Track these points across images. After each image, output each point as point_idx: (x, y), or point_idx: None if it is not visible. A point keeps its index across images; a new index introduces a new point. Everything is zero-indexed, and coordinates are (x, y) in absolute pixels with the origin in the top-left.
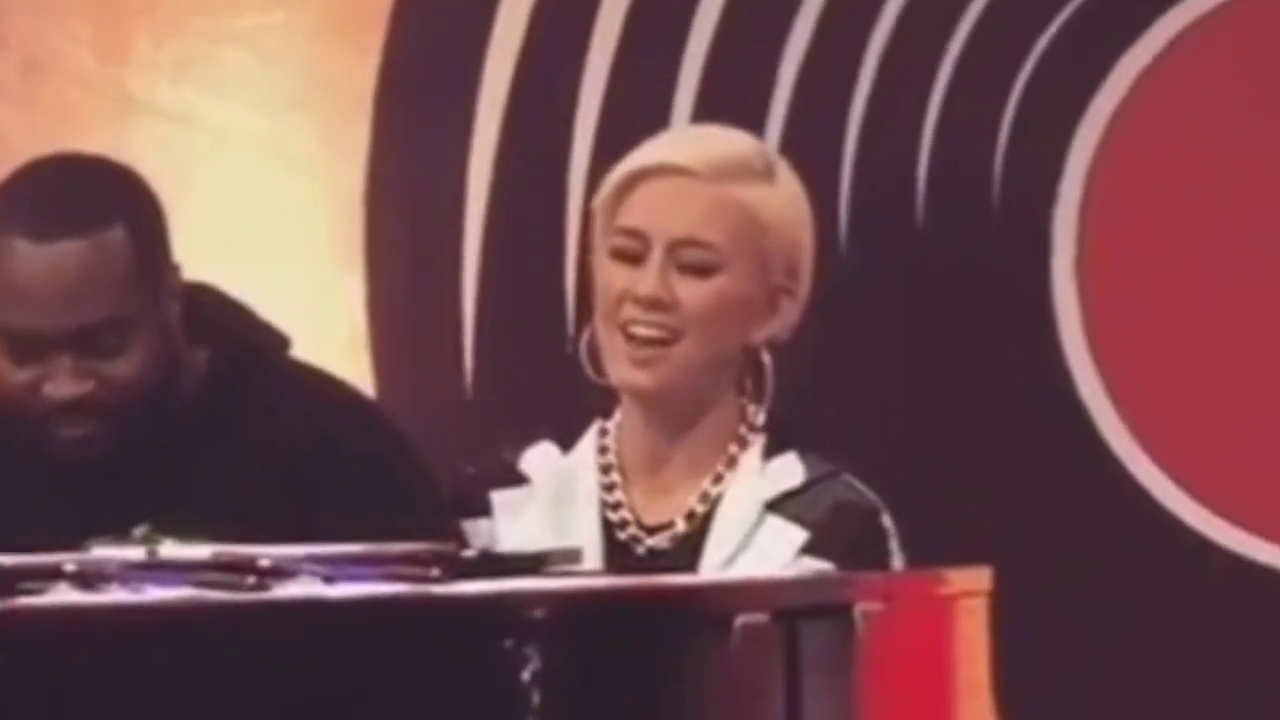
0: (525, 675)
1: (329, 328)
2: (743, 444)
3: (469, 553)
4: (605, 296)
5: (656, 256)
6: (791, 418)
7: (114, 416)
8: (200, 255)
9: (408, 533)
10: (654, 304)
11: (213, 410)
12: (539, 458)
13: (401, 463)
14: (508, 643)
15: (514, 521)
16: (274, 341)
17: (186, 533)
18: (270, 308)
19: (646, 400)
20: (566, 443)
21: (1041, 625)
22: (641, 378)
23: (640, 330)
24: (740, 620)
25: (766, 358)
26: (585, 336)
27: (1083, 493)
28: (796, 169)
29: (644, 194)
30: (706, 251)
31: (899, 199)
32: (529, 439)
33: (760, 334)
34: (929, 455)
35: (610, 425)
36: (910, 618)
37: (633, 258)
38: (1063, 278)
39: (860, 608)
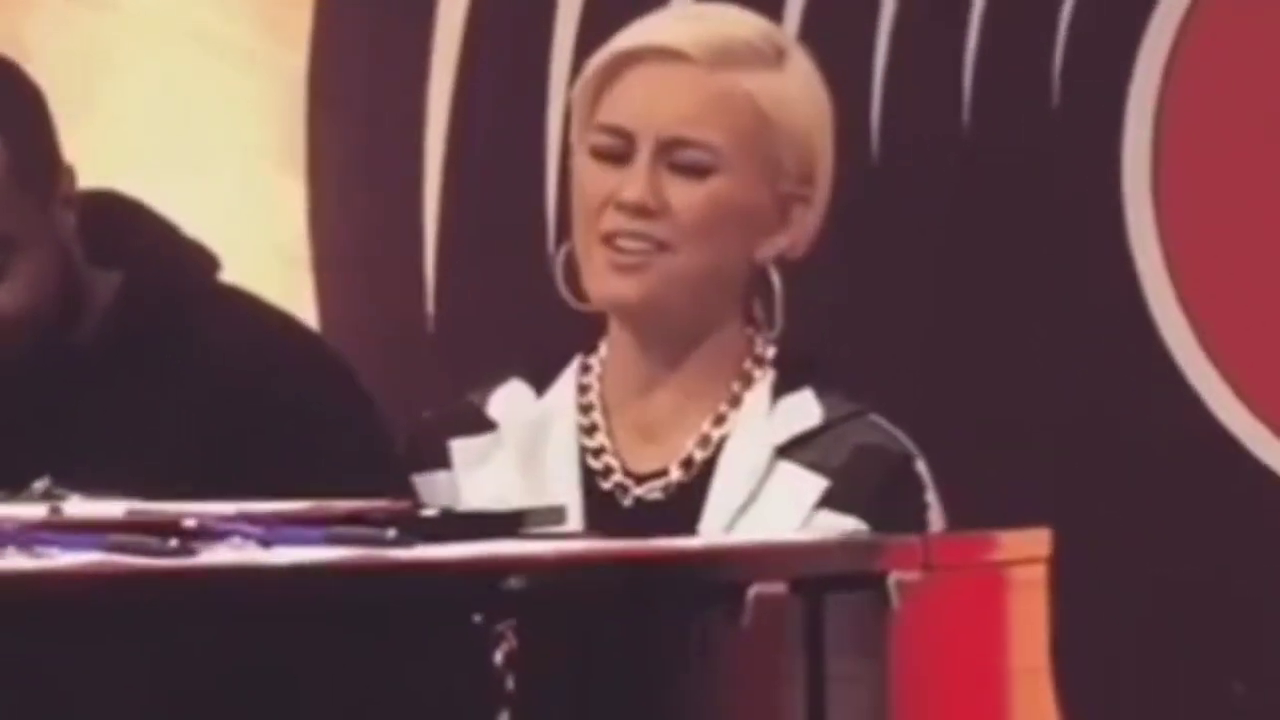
0: (498, 656)
1: (263, 243)
2: (748, 380)
3: (429, 511)
4: (584, 202)
5: (644, 156)
6: (807, 350)
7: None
8: (115, 159)
9: (357, 488)
10: (640, 210)
11: (125, 343)
12: (508, 400)
13: (348, 406)
14: (477, 618)
15: (477, 474)
16: (201, 262)
17: (94, 487)
18: (195, 220)
19: (632, 318)
20: (541, 383)
21: (1110, 597)
22: (625, 287)
23: (626, 242)
24: (754, 591)
25: (776, 278)
26: (563, 253)
27: (1161, 441)
28: (818, 59)
29: (630, 83)
30: (702, 151)
31: (941, 97)
32: (500, 379)
33: (769, 248)
34: (976, 398)
35: (594, 361)
36: (955, 589)
37: (616, 157)
38: (1135, 190)
39: (895, 577)
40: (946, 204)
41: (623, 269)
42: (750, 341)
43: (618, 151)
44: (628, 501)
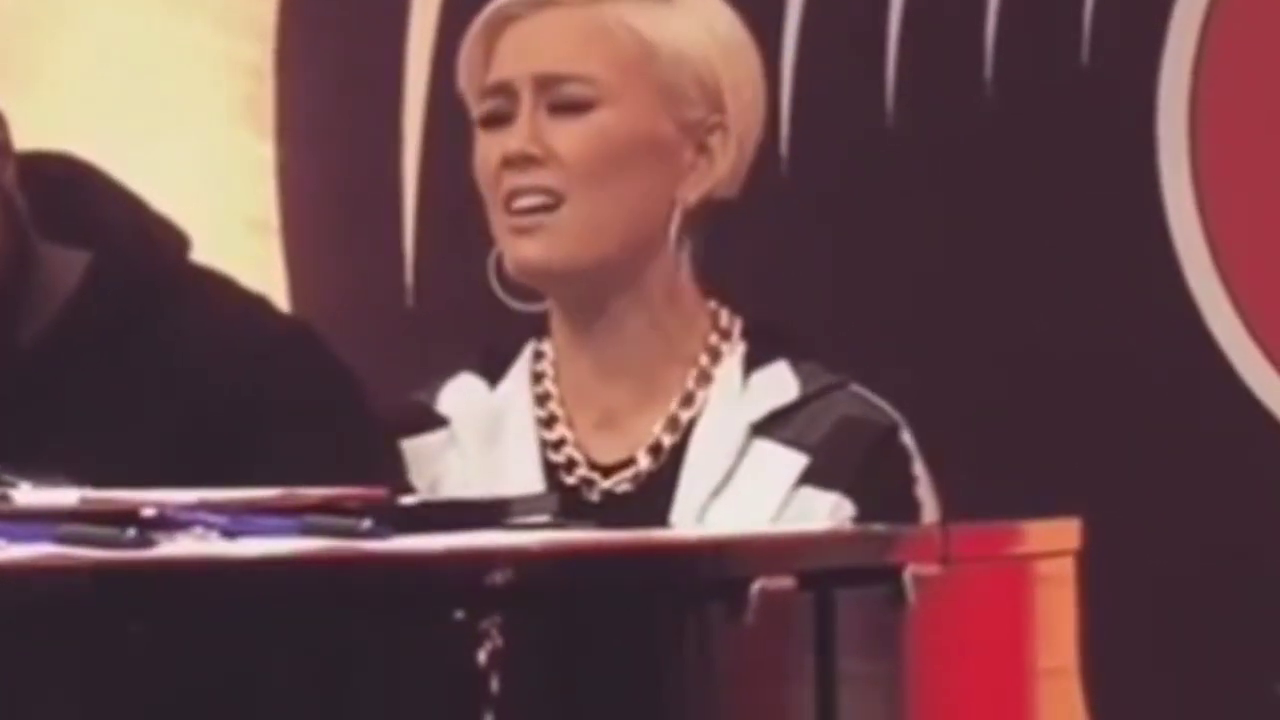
0: (481, 656)
1: (229, 210)
2: (715, 355)
3: (408, 500)
4: (484, 176)
5: (524, 104)
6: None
7: None
8: (68, 122)
9: (335, 477)
10: (525, 160)
11: (88, 326)
12: (458, 394)
13: (334, 398)
14: (459, 614)
15: (434, 472)
16: (171, 242)
17: (47, 474)
18: (156, 186)
19: (547, 284)
20: (493, 374)
21: (1144, 593)
22: (527, 249)
23: (520, 200)
24: (758, 586)
25: (677, 216)
26: (494, 253)
27: (1199, 425)
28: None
29: (507, 41)
30: (580, 84)
31: (961, 53)
32: (490, 359)
33: (690, 187)
34: (1000, 378)
35: (546, 347)
36: (976, 584)
37: (502, 118)
38: (1170, 154)
39: (911, 570)
40: (967, 170)
41: (522, 231)
42: (714, 314)
43: (502, 111)
44: (595, 496)
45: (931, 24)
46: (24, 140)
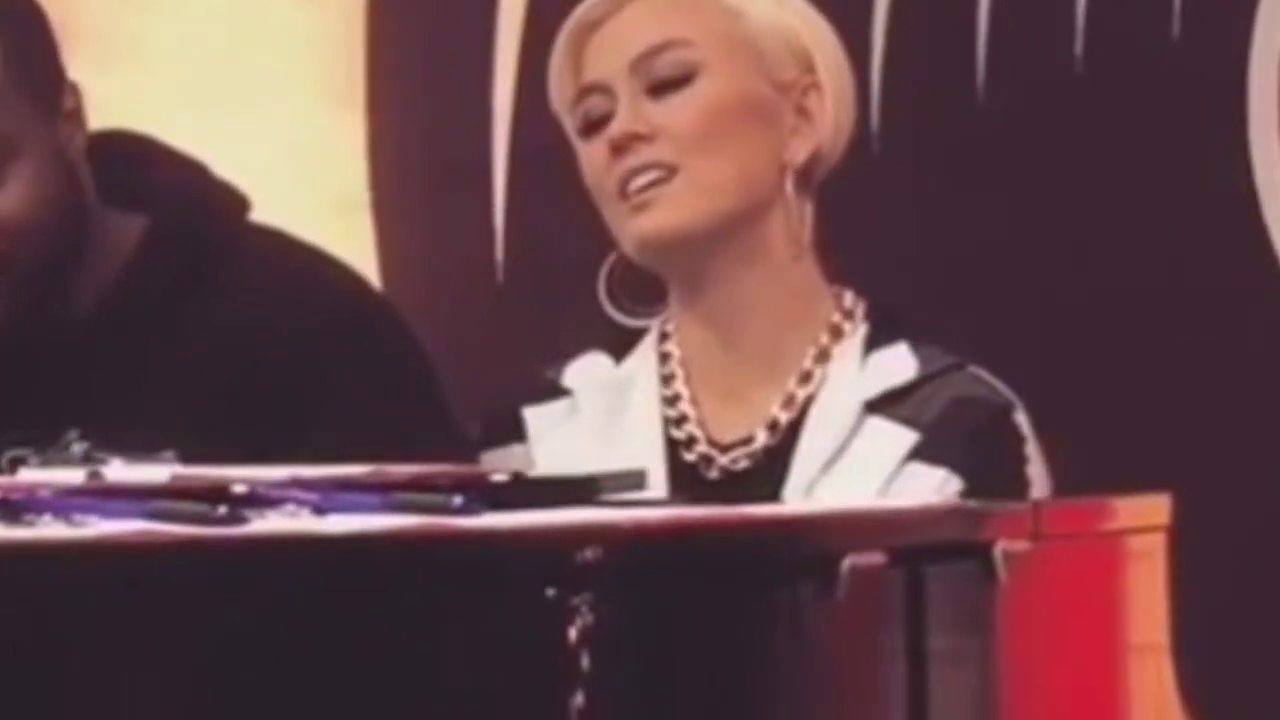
0: (572, 633)
1: (319, 187)
2: (837, 333)
3: (499, 476)
4: (594, 176)
5: (622, 92)
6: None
7: (10, 270)
8: (160, 98)
9: (407, 445)
10: (632, 139)
11: (150, 291)
12: (585, 371)
13: (396, 356)
14: (550, 592)
15: (553, 444)
16: (230, 203)
17: (126, 447)
18: (246, 162)
19: (665, 254)
20: (620, 353)
21: (1236, 569)
22: (643, 223)
23: (635, 180)
24: (849, 562)
25: (790, 186)
26: (606, 265)
27: None
28: None
29: (594, 45)
30: (677, 51)
31: (1051, 29)
32: (581, 339)
33: (799, 148)
34: (1091, 352)
35: (671, 328)
36: (1066, 560)
37: (601, 119)
38: (1262, 132)
39: (1002, 547)
40: (1057, 146)
41: (640, 207)
42: (838, 295)
43: (600, 111)
44: (713, 473)
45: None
46: (114, 118)
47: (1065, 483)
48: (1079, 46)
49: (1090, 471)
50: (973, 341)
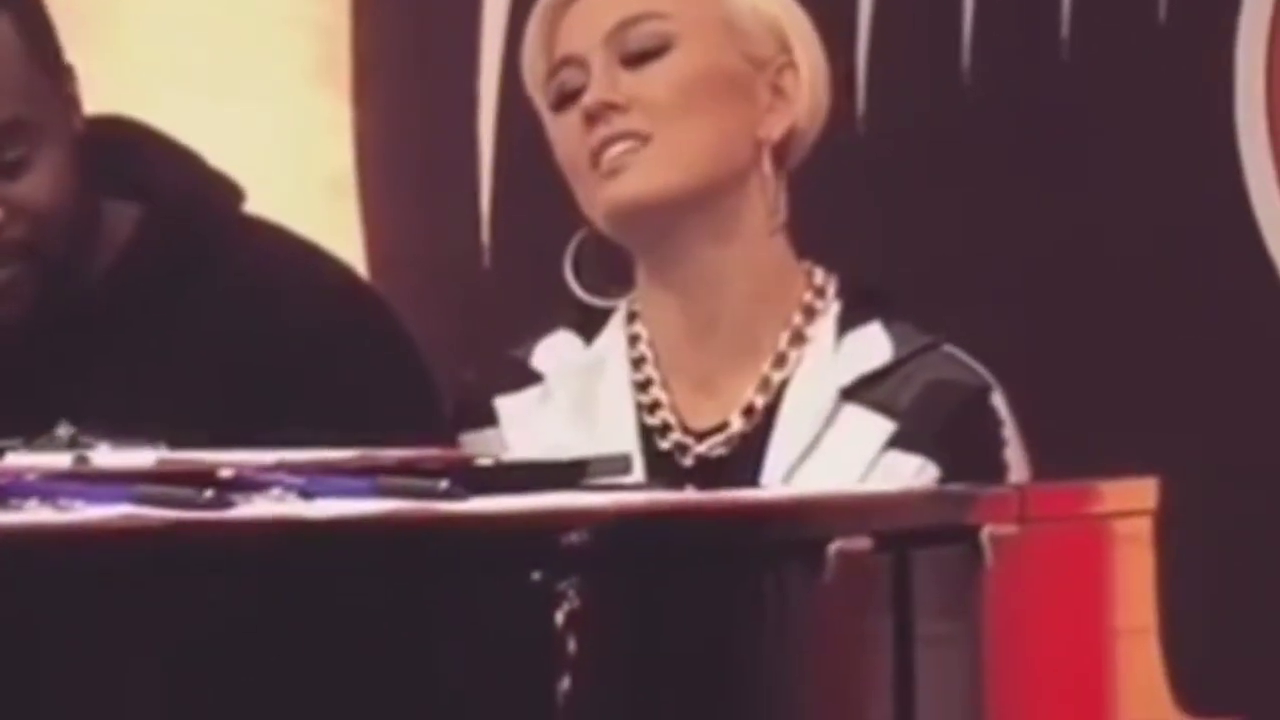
0: (558, 617)
1: (305, 170)
2: (810, 314)
3: (485, 461)
4: (566, 149)
5: (596, 67)
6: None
7: (36, 258)
8: (142, 81)
9: (395, 432)
10: (606, 108)
11: (144, 280)
12: (554, 351)
13: (384, 345)
14: (536, 576)
15: (525, 432)
16: (224, 193)
17: (114, 434)
18: (231, 145)
19: (636, 222)
20: (589, 332)
21: (1223, 553)
22: (614, 189)
23: (609, 150)
24: (836, 546)
25: (768, 163)
26: (574, 243)
27: (1278, 381)
28: None
29: (569, 20)
30: (653, 22)
31: (1036, 12)
32: (547, 328)
33: (774, 124)
34: (1073, 333)
35: (639, 306)
36: (1053, 544)
37: (574, 92)
38: (1249, 116)
39: (989, 530)
40: (1042, 130)
41: (611, 173)
42: (808, 272)
43: (575, 85)
44: (689, 461)
45: None
46: (101, 102)
47: (1048, 468)
48: (1064, 30)
49: (1073, 457)
50: (957, 325)
